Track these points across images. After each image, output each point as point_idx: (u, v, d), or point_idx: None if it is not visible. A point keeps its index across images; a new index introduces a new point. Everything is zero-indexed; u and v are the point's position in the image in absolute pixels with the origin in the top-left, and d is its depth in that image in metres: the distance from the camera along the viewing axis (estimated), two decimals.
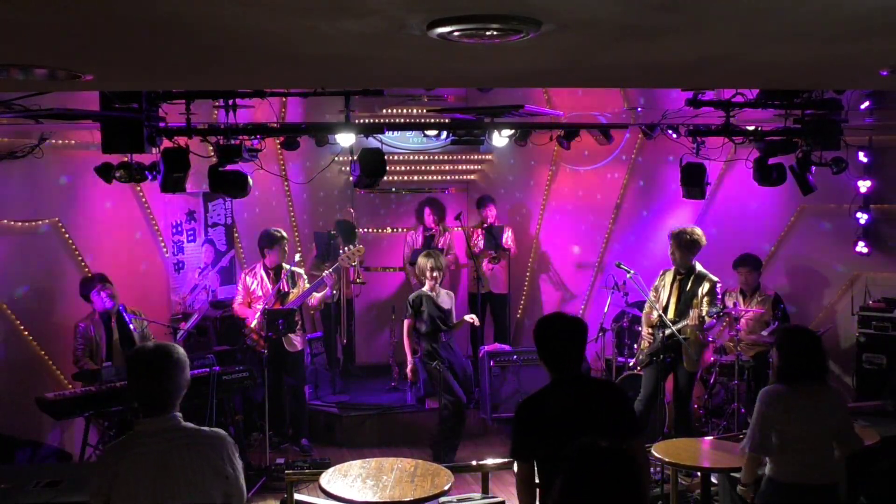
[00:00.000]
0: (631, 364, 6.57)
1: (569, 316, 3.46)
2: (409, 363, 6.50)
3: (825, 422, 3.71)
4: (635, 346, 7.25)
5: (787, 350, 3.80)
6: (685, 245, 6.01)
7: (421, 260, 6.43)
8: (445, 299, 6.42)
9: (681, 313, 6.00)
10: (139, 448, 2.71)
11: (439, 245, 8.10)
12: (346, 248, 6.96)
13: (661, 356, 5.95)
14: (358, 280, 7.65)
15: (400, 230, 8.85)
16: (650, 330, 6.21)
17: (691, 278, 6.05)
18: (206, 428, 2.83)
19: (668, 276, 6.19)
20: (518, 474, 3.33)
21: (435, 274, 6.31)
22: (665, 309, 6.08)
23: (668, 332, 5.90)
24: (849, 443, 3.78)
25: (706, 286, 6.00)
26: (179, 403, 2.79)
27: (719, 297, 6.16)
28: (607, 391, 3.44)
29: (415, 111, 8.35)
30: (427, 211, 8.25)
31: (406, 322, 6.41)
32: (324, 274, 6.64)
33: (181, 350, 2.83)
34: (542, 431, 3.26)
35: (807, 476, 3.71)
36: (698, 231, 6.08)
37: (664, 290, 6.18)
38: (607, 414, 3.29)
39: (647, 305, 6.28)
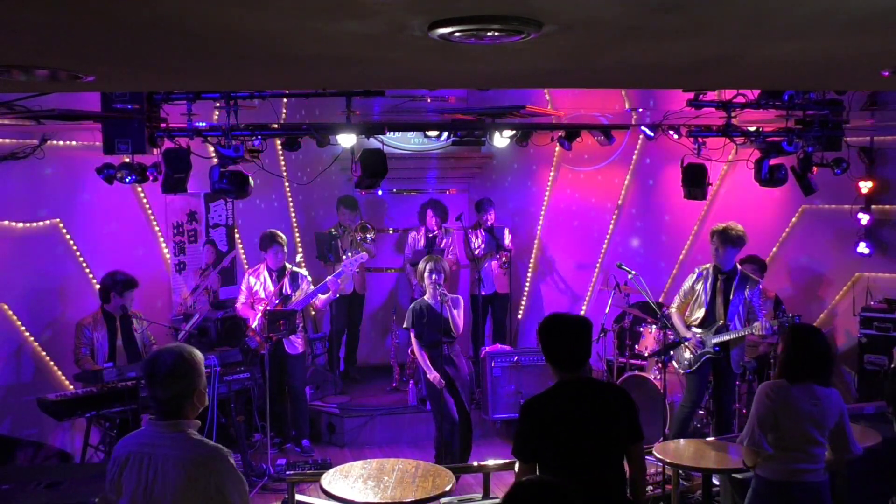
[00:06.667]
0: (677, 366, 6.17)
1: (574, 315, 3.46)
2: (431, 375, 5.95)
3: (822, 423, 3.71)
4: (634, 345, 7.25)
5: (793, 347, 3.80)
6: (732, 241, 5.79)
7: (420, 265, 6.14)
8: (446, 307, 5.99)
9: (730, 317, 5.82)
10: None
11: (441, 247, 8.09)
12: (348, 254, 6.94)
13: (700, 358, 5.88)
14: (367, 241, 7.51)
15: (400, 231, 8.85)
16: (700, 331, 5.92)
17: (736, 279, 5.85)
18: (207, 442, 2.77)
19: (707, 276, 5.94)
20: (519, 475, 3.31)
21: (433, 276, 5.94)
22: (711, 312, 5.90)
23: (724, 339, 5.79)
24: (841, 448, 3.77)
25: (753, 288, 5.85)
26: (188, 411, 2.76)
27: (763, 301, 6.04)
28: (615, 394, 3.41)
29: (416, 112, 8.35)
30: (429, 213, 8.24)
31: (411, 334, 6.06)
32: (327, 279, 6.65)
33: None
34: (547, 432, 3.25)
35: (797, 474, 3.70)
36: (741, 227, 5.85)
37: (703, 292, 5.93)
38: (615, 418, 3.29)
39: (681, 304, 6.06)
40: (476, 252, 8.09)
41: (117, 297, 5.82)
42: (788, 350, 3.80)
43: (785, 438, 3.71)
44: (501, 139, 6.85)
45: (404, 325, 6.17)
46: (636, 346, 7.24)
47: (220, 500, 2.68)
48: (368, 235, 7.58)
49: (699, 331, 5.95)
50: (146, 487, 2.68)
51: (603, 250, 8.68)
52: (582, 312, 8.69)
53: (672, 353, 6.11)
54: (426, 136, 7.51)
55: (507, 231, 8.35)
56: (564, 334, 3.34)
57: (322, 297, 6.68)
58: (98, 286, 6.04)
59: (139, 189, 6.78)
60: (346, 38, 2.06)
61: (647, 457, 5.70)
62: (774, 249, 7.53)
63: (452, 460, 5.87)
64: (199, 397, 2.79)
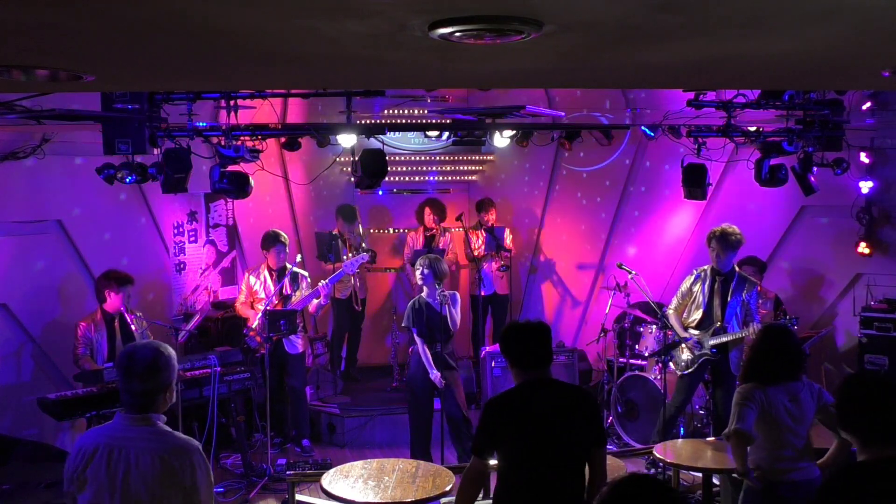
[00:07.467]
0: (673, 368, 6.15)
1: (532, 321, 3.56)
2: (433, 374, 5.87)
3: (804, 417, 3.73)
4: (634, 345, 7.24)
5: (770, 349, 3.80)
6: (731, 245, 5.81)
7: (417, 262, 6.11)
8: (445, 306, 5.90)
9: (728, 318, 5.83)
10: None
11: (440, 246, 8.09)
12: (348, 254, 6.92)
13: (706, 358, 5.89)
14: (364, 250, 7.52)
15: (401, 231, 8.85)
16: (697, 333, 5.93)
17: (734, 281, 5.86)
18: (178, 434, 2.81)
19: (705, 278, 5.95)
20: (471, 468, 3.36)
21: (422, 272, 5.89)
22: (709, 314, 5.90)
23: (722, 340, 5.80)
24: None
25: (751, 290, 5.85)
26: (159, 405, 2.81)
27: (762, 301, 6.05)
28: (582, 397, 3.45)
29: (416, 112, 8.36)
30: (427, 211, 8.24)
31: (414, 332, 5.99)
32: (320, 284, 6.65)
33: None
34: (511, 429, 3.28)
35: (783, 473, 3.72)
36: (738, 229, 5.88)
37: (701, 294, 5.94)
38: (578, 419, 3.33)
39: (678, 305, 6.08)
40: (476, 252, 8.08)
41: (114, 294, 5.80)
42: (762, 354, 3.79)
43: (768, 439, 3.72)
44: (501, 139, 6.84)
45: (403, 324, 6.14)
46: (636, 346, 7.23)
47: (193, 490, 2.71)
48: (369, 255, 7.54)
49: (696, 333, 5.95)
50: (114, 481, 2.68)
51: (603, 250, 8.67)
52: (582, 313, 8.70)
53: (671, 354, 6.12)
54: (426, 136, 7.51)
55: (507, 231, 8.35)
56: (526, 335, 3.42)
57: (315, 301, 6.68)
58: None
59: (139, 189, 6.78)
60: (346, 38, 2.06)
61: (646, 457, 5.75)
62: (774, 249, 7.52)
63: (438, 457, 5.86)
64: (171, 392, 2.85)
